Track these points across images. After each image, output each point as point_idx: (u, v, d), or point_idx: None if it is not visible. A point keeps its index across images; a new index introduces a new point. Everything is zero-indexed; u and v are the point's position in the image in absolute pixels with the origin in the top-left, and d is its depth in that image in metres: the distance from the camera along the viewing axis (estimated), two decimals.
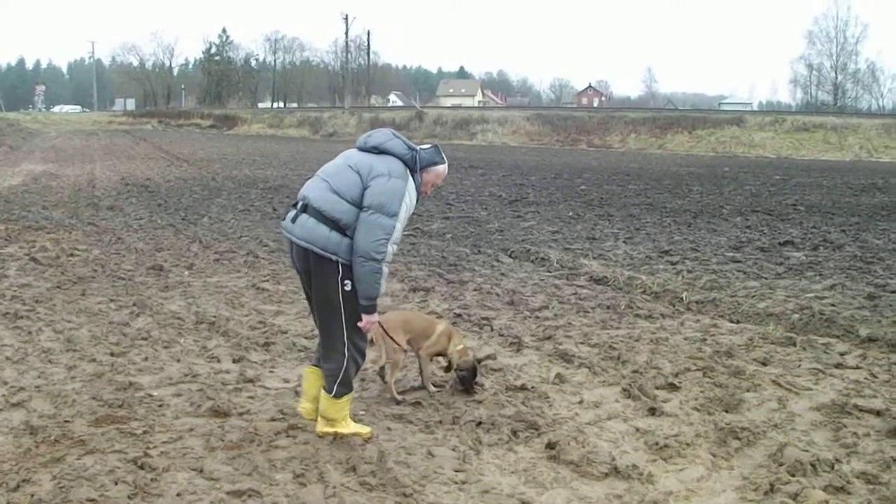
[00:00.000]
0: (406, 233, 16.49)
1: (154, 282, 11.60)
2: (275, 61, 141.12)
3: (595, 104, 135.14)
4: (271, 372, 7.78)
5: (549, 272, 12.90)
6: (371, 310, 5.86)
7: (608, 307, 10.54)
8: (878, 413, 6.72)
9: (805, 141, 62.50)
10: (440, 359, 7.28)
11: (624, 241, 16.05)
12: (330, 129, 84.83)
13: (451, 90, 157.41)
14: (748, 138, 63.98)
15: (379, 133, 6.15)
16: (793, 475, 5.47)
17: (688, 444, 6.06)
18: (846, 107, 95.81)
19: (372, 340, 6.73)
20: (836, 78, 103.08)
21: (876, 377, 7.83)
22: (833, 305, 10.63)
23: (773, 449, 5.93)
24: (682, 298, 10.96)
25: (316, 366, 6.32)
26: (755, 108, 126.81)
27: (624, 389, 7.26)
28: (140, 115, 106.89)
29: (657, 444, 6.03)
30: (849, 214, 21.04)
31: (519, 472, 5.59)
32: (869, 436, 6.28)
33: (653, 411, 6.74)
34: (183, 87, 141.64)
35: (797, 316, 10.01)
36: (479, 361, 7.24)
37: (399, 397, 6.98)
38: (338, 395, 6.06)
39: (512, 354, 8.43)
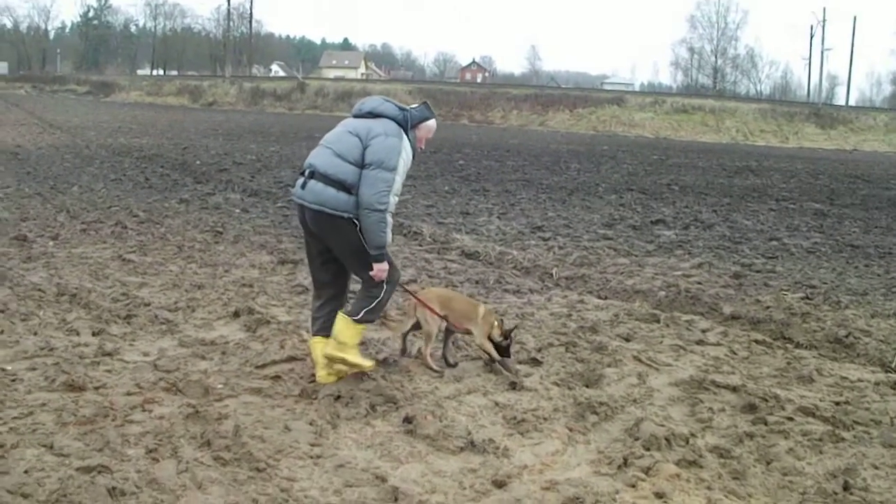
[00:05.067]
0: (278, 204, 16.38)
1: (16, 252, 11.13)
2: (155, 27, 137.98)
3: (478, 80, 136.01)
4: (131, 345, 7.52)
5: (421, 246, 12.88)
6: (381, 258, 6.38)
7: (477, 281, 10.54)
8: (734, 389, 6.85)
9: (684, 122, 64.06)
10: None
11: (498, 217, 16.15)
12: (210, 97, 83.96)
13: (335, 62, 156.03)
14: (628, 118, 65.31)
15: (371, 99, 6.70)
16: (647, 449, 5.51)
17: (545, 419, 6.06)
18: (725, 91, 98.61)
19: (406, 312, 7.54)
20: (717, 62, 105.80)
21: (735, 354, 8.00)
22: (699, 283, 10.85)
23: (629, 423, 5.98)
24: (551, 274, 11.03)
25: (317, 334, 6.77)
26: (637, 88, 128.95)
27: (485, 364, 7.25)
28: (13, 80, 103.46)
29: (515, 418, 6.01)
30: (721, 195, 21.56)
31: (375, 447, 5.51)
32: (724, 411, 6.39)
33: (513, 386, 6.73)
34: (59, 51, 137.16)
35: (663, 293, 10.17)
36: (511, 332, 7.25)
37: (436, 367, 7.08)
38: (360, 321, 6.58)
39: (375, 328, 8.13)
